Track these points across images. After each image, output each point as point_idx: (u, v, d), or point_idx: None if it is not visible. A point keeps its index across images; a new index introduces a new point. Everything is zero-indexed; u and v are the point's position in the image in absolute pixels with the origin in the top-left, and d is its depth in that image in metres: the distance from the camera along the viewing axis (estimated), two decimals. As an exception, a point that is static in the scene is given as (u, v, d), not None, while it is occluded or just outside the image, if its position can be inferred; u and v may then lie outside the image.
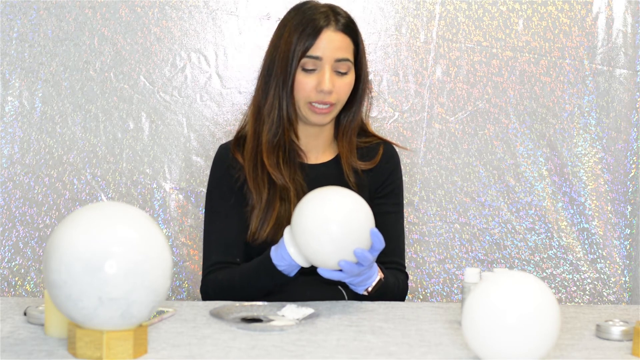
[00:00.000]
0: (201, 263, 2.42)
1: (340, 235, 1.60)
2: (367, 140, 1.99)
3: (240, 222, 1.88)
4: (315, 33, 1.83)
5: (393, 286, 1.83)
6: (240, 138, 1.97)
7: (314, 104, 1.86)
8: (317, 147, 1.97)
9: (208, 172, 2.41)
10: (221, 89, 2.45)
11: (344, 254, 1.61)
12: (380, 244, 1.64)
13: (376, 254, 1.66)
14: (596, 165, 2.55)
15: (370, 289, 1.75)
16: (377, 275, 1.75)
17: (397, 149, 2.03)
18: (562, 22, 2.53)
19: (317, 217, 1.61)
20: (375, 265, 1.75)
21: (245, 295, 1.75)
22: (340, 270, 1.64)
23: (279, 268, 1.70)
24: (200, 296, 2.43)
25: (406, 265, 1.99)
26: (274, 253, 1.71)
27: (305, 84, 1.85)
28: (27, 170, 2.40)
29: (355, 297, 1.83)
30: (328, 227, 1.60)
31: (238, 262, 1.87)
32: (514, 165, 2.53)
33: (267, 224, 1.85)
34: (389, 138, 2.09)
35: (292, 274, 1.72)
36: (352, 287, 1.75)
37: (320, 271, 1.66)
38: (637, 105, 2.55)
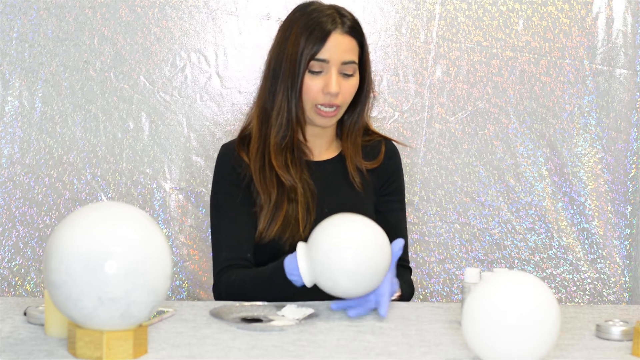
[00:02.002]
0: (201, 263, 2.43)
1: (360, 284, 1.58)
2: (369, 139, 2.01)
3: (249, 219, 1.88)
4: (324, 37, 1.84)
5: (405, 294, 1.84)
6: (244, 138, 1.97)
7: (319, 106, 1.87)
8: (321, 145, 1.98)
9: (208, 172, 2.42)
10: (221, 89, 2.45)
11: (363, 287, 1.60)
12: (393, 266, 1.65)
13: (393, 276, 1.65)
14: (596, 165, 2.55)
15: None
16: (395, 294, 1.73)
17: (398, 146, 2.04)
18: (562, 22, 2.53)
19: (341, 269, 1.57)
20: (395, 283, 1.71)
21: (257, 299, 1.74)
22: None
23: (290, 277, 1.66)
24: (200, 296, 2.44)
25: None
26: (288, 265, 1.66)
27: (312, 87, 1.85)
28: (27, 170, 2.40)
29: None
30: (351, 279, 1.57)
31: (248, 257, 1.86)
32: (514, 165, 2.53)
33: (275, 223, 1.85)
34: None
35: (303, 285, 1.70)
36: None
37: (351, 314, 1.63)
38: (637, 105, 2.55)
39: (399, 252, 1.62)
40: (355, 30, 1.88)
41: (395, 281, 1.67)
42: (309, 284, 1.63)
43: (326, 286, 1.60)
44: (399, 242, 1.63)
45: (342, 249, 1.56)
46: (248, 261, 1.86)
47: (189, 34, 2.44)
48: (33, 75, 2.40)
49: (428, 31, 2.50)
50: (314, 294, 1.69)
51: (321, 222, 1.62)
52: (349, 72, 1.87)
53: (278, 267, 1.69)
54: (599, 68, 2.54)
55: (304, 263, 1.60)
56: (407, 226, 2.05)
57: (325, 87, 1.85)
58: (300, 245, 1.63)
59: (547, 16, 2.52)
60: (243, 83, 2.45)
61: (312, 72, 1.86)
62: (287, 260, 1.67)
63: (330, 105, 1.87)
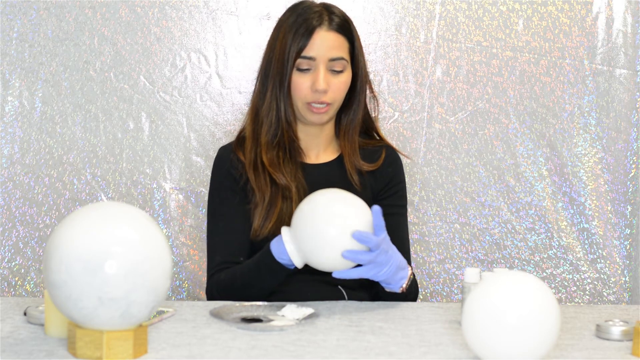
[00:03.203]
0: (201, 263, 2.43)
1: (334, 237, 1.60)
2: (370, 142, 1.99)
3: (244, 222, 1.88)
4: (309, 33, 1.83)
5: (409, 292, 1.83)
6: (241, 138, 1.97)
7: (311, 103, 1.86)
8: (317, 146, 1.97)
9: (208, 172, 2.42)
10: (221, 89, 2.45)
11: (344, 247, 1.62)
12: (380, 220, 1.63)
13: (381, 232, 1.64)
14: (596, 165, 2.55)
15: (405, 286, 1.74)
16: (408, 270, 1.74)
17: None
18: (562, 22, 2.53)
19: (314, 229, 1.61)
20: (403, 260, 1.73)
21: (248, 293, 1.74)
22: (356, 265, 1.64)
23: (280, 261, 1.69)
24: (200, 296, 2.44)
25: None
26: (275, 248, 1.70)
27: (300, 84, 1.85)
28: (27, 170, 2.40)
29: (355, 297, 1.83)
30: (324, 235, 1.60)
31: (242, 261, 1.86)
32: (514, 165, 2.53)
33: (269, 221, 1.85)
34: (389, 138, 2.08)
35: (293, 267, 1.72)
36: (386, 286, 1.74)
37: (336, 274, 1.64)
38: (637, 105, 2.55)
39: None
40: (343, 28, 1.87)
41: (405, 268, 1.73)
42: (299, 265, 1.67)
43: (315, 262, 1.64)
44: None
45: (322, 220, 1.61)
46: (240, 264, 1.86)
47: (189, 34, 2.44)
48: (33, 75, 2.40)
49: (428, 31, 2.50)
50: (301, 286, 1.74)
51: (299, 205, 1.67)
52: (338, 69, 1.86)
53: (265, 253, 1.72)
54: (599, 68, 2.54)
55: (291, 245, 1.65)
56: (408, 226, 2.04)
57: (313, 85, 1.84)
58: (284, 230, 1.67)
59: (547, 16, 2.52)
60: (243, 83, 2.45)
61: (300, 70, 1.85)
62: (274, 244, 1.70)
63: (321, 103, 1.86)
